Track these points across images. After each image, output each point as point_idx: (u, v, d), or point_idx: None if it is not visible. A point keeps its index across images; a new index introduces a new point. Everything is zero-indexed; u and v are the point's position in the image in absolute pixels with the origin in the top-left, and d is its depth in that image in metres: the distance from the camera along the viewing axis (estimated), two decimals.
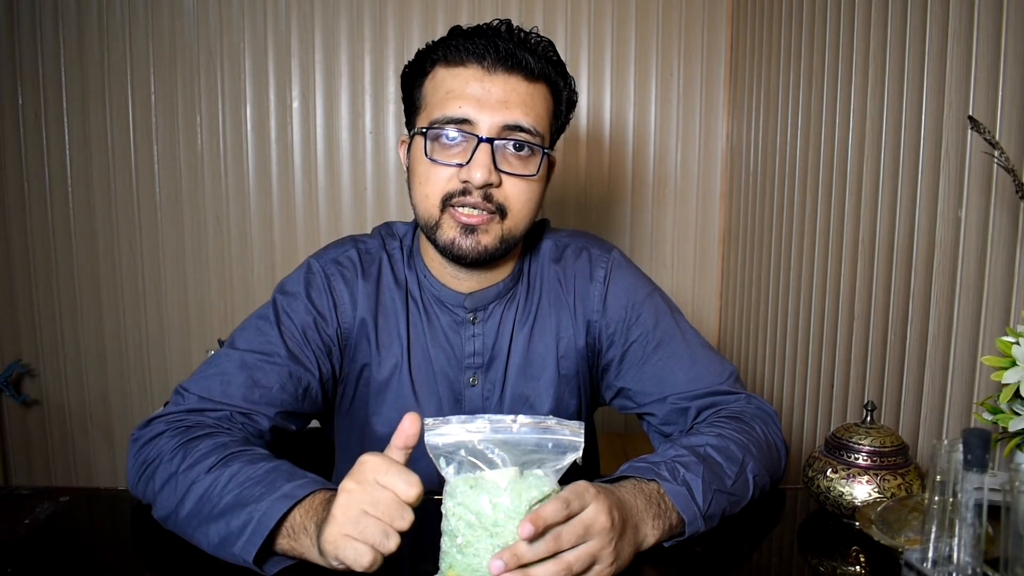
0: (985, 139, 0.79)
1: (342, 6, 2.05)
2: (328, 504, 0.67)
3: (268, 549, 0.72)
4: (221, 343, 2.20)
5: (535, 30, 0.96)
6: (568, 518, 0.65)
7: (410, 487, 0.64)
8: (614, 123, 2.11)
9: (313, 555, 0.69)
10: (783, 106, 1.72)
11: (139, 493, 0.82)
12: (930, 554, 0.58)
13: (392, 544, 0.64)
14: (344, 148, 2.09)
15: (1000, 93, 0.98)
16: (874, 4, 1.31)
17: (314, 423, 1.07)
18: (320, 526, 0.67)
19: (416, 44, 2.05)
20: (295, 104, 2.08)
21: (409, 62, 0.97)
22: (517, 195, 0.92)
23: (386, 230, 1.07)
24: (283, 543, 0.71)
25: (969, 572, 0.56)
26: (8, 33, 2.03)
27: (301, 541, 0.70)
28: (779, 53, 1.74)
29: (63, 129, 2.07)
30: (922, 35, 1.16)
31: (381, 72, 2.06)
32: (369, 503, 0.64)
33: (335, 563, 0.66)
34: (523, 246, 1.05)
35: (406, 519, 0.64)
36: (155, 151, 2.09)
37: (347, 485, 0.66)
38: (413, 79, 0.97)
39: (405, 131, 1.00)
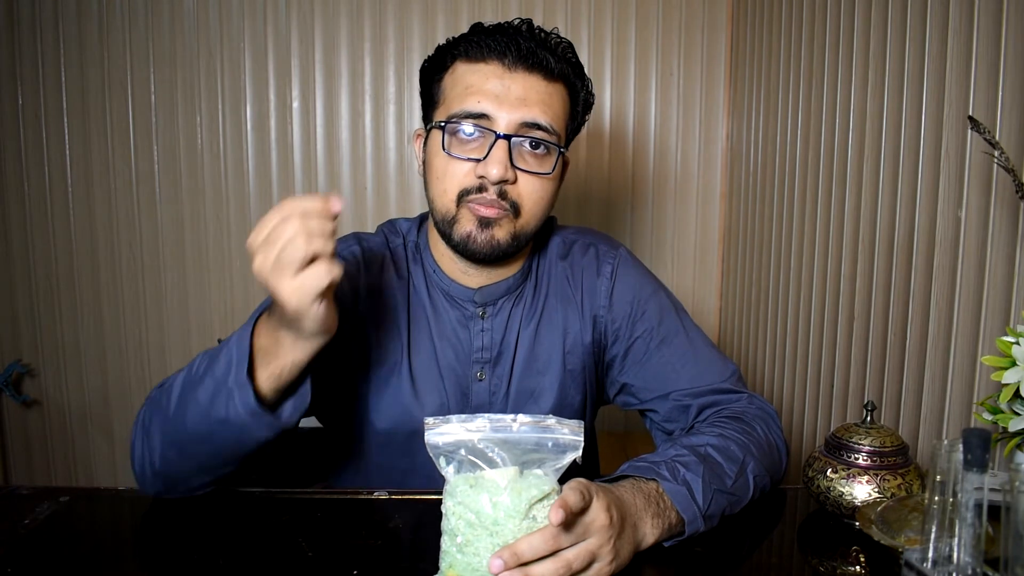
0: (985, 139, 0.79)
1: (342, 6, 2.05)
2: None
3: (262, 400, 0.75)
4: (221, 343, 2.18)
5: (556, 31, 0.96)
6: (584, 509, 0.65)
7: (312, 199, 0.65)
8: (614, 123, 2.11)
9: (285, 338, 0.73)
10: (783, 106, 1.72)
11: (144, 462, 0.82)
12: (930, 554, 0.58)
13: (317, 244, 0.65)
14: (344, 148, 2.09)
15: (1000, 93, 0.98)
16: (874, 4, 1.31)
17: (314, 422, 1.07)
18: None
19: (416, 44, 2.06)
20: (295, 104, 2.08)
21: (429, 56, 0.98)
22: (531, 193, 0.92)
23: (389, 227, 1.07)
24: (263, 366, 0.75)
25: (969, 572, 0.56)
26: (8, 33, 2.03)
27: (273, 335, 0.74)
28: (779, 53, 1.74)
29: (63, 129, 2.07)
30: (922, 35, 1.16)
31: (381, 72, 2.06)
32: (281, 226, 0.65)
33: (292, 297, 0.66)
34: (532, 243, 1.05)
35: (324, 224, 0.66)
36: (155, 151, 2.09)
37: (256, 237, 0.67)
38: (432, 73, 0.97)
39: (419, 126, 1.00)
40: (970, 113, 1.04)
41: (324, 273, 0.66)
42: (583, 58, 2.07)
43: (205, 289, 2.14)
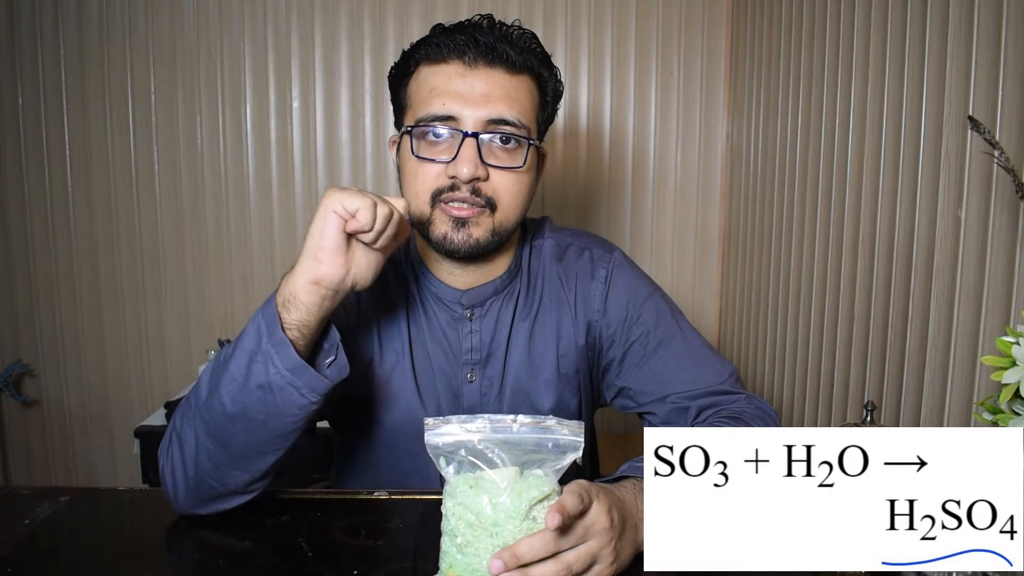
0: (985, 139, 0.79)
1: (342, 6, 2.05)
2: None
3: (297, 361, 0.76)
4: (221, 343, 2.20)
5: (517, 22, 0.96)
6: (583, 512, 0.65)
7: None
8: (614, 123, 2.11)
9: (305, 289, 0.77)
10: (783, 106, 1.72)
11: (169, 468, 0.81)
12: None
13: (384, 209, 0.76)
14: (344, 148, 2.09)
15: (1000, 93, 0.98)
16: (874, 4, 1.31)
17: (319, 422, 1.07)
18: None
19: None
20: (295, 104, 2.08)
21: (394, 63, 0.98)
22: (506, 188, 0.92)
23: None
24: (287, 317, 0.77)
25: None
26: (8, 33, 2.03)
27: (290, 285, 0.77)
28: (779, 53, 1.74)
29: (63, 129, 2.07)
30: (922, 35, 1.16)
31: (381, 72, 2.05)
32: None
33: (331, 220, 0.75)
34: (524, 242, 1.05)
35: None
36: (155, 151, 2.09)
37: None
38: (399, 80, 0.97)
39: (395, 132, 1.00)
40: (970, 113, 1.04)
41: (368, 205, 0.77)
42: (583, 59, 2.07)
43: (205, 289, 2.14)
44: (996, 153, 0.78)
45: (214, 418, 0.78)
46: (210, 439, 0.78)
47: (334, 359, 0.81)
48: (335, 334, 0.82)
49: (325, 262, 0.77)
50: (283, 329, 0.76)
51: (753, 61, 1.91)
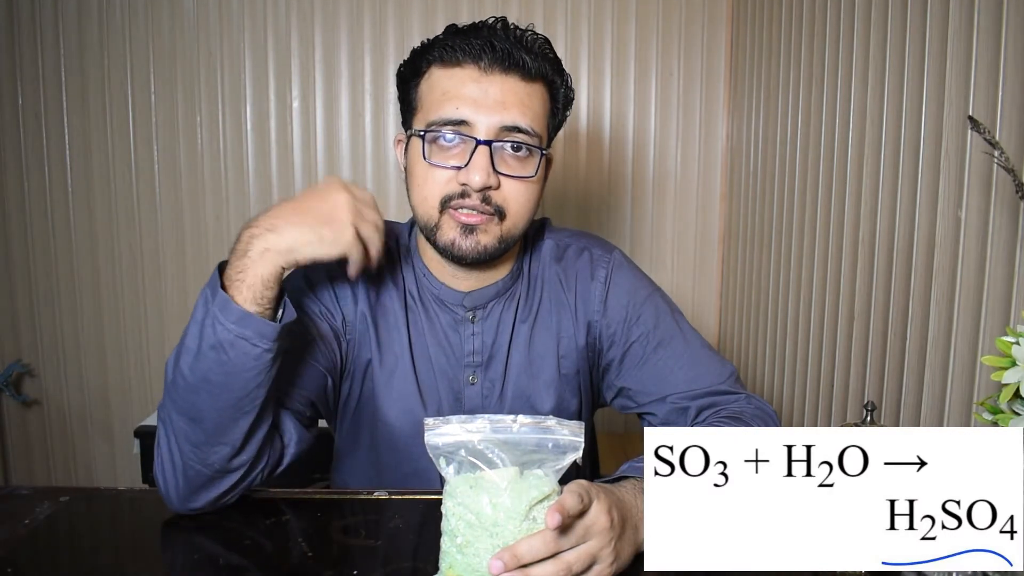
0: (985, 139, 0.79)
1: (342, 6, 2.05)
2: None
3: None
4: None
5: (531, 27, 0.95)
6: (583, 512, 0.65)
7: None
8: (614, 123, 2.11)
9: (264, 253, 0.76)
10: (783, 106, 1.72)
11: (160, 467, 0.81)
12: None
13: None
14: (344, 148, 2.09)
15: (1000, 93, 0.98)
16: (874, 4, 1.31)
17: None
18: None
19: (416, 44, 2.05)
20: (295, 104, 2.08)
21: (404, 61, 0.97)
22: (516, 196, 0.92)
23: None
24: (236, 278, 0.76)
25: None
26: (8, 33, 2.03)
27: (247, 251, 0.77)
28: (779, 53, 1.74)
29: (63, 129, 2.07)
30: (922, 35, 1.16)
31: (381, 72, 2.05)
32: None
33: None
34: (524, 244, 1.05)
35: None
36: (155, 151, 2.09)
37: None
38: (408, 79, 0.96)
39: (401, 130, 1.00)
40: (970, 113, 1.04)
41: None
42: (583, 59, 2.07)
43: None
44: (996, 153, 0.78)
45: (180, 395, 0.78)
46: (183, 419, 0.78)
47: (283, 311, 0.80)
48: (281, 291, 0.81)
49: (323, 256, 0.79)
50: (224, 288, 0.76)
51: (753, 61, 1.91)
